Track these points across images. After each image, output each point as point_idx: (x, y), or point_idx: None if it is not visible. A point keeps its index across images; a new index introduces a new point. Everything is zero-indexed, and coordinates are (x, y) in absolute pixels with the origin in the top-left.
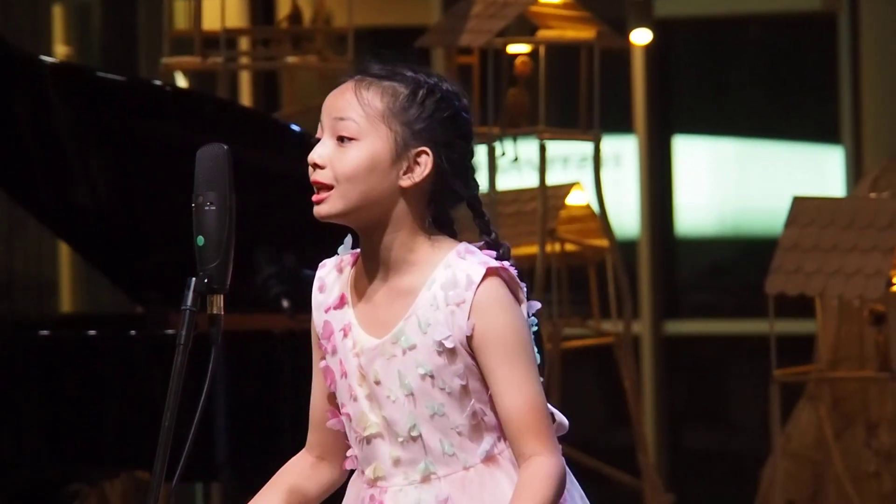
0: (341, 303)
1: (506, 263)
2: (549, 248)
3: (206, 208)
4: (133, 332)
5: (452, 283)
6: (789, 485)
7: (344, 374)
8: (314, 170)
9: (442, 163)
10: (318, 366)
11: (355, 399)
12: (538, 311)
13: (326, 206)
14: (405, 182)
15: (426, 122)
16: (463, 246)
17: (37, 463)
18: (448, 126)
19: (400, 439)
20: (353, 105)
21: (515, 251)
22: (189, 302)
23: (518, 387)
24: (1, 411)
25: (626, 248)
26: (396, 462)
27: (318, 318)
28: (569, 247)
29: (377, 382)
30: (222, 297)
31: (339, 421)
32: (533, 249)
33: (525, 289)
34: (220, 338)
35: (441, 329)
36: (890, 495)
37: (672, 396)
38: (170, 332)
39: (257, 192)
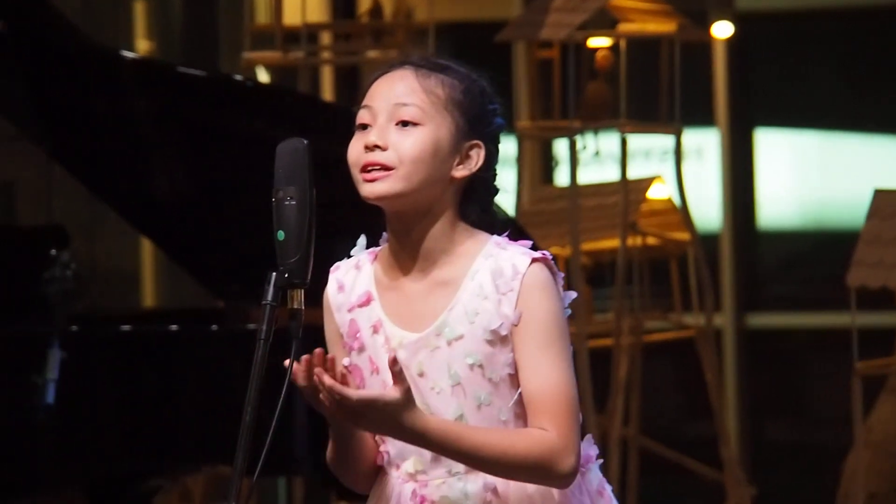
0: (367, 300)
1: (546, 252)
2: (630, 241)
3: (287, 203)
4: (214, 327)
5: (499, 272)
6: (871, 477)
7: (375, 371)
8: (371, 151)
9: (490, 157)
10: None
11: None
12: (574, 300)
13: (385, 185)
14: (459, 172)
15: (479, 117)
16: (496, 238)
17: (118, 458)
18: (494, 124)
19: None
20: (416, 91)
21: (597, 244)
22: (269, 297)
23: (547, 372)
24: (82, 406)
25: (708, 241)
26: (437, 457)
27: (339, 317)
28: (650, 240)
29: (421, 375)
30: (303, 291)
31: None
32: (614, 243)
33: (563, 278)
34: (300, 332)
35: (492, 318)
36: None
37: (754, 389)
38: (250, 326)
39: (338, 187)
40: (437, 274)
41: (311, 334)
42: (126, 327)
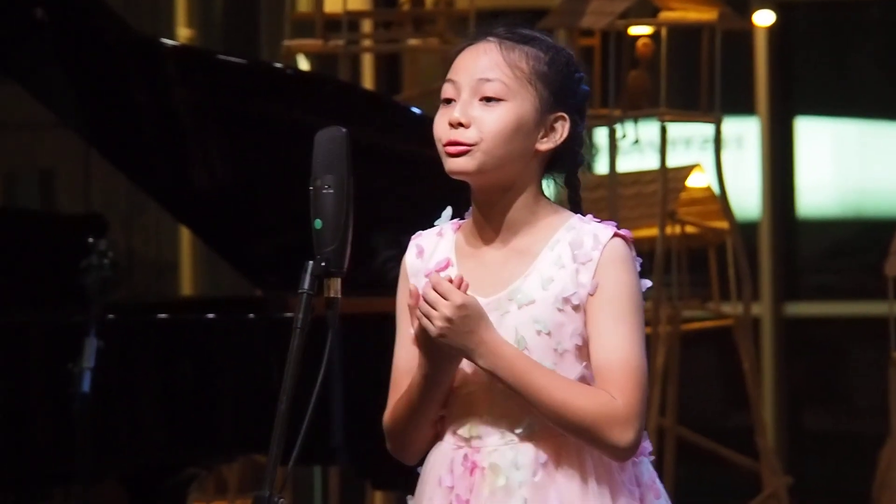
0: (446, 266)
1: (628, 232)
2: (669, 230)
3: (324, 191)
4: (252, 316)
5: (579, 242)
6: None
7: None
8: (455, 128)
9: (574, 129)
10: (406, 332)
11: None
12: (649, 289)
13: (466, 162)
14: (544, 146)
15: (564, 88)
16: (580, 215)
17: (155, 446)
18: (579, 94)
19: (503, 397)
20: (500, 65)
21: (635, 233)
22: (306, 285)
23: (618, 343)
24: (119, 395)
25: (748, 230)
26: (494, 422)
27: (414, 282)
28: (689, 229)
29: None
30: (340, 280)
31: None
32: (653, 231)
33: (640, 264)
34: (337, 321)
35: (566, 286)
36: None
37: (791, 378)
38: (288, 315)
39: (377, 175)
40: (517, 243)
41: (349, 323)
42: (163, 316)
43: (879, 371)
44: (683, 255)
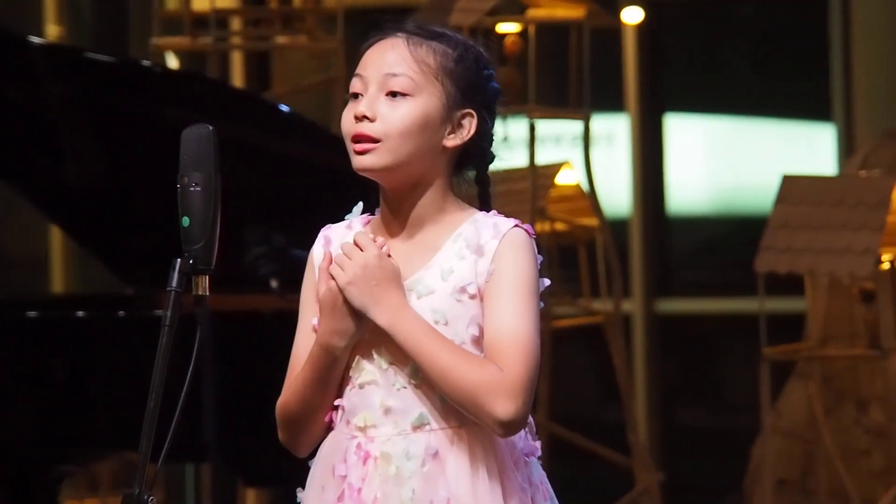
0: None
1: (531, 228)
2: (538, 227)
3: (192, 189)
4: (122, 313)
5: (477, 234)
6: (780, 462)
7: None
8: (360, 121)
9: (482, 126)
10: (308, 320)
11: (353, 347)
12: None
13: (372, 158)
14: (450, 142)
15: (473, 85)
16: (485, 212)
17: (25, 444)
18: (488, 91)
19: (397, 387)
20: (407, 61)
21: None
22: (174, 283)
23: (510, 320)
24: None
25: (619, 227)
26: (387, 411)
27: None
28: (559, 226)
29: None
30: (208, 277)
31: None
32: None
33: (541, 262)
34: (207, 318)
35: (465, 276)
36: (880, 473)
37: (663, 374)
38: (159, 312)
39: (247, 173)
40: (422, 237)
41: (220, 320)
42: (33, 313)
43: (751, 367)
44: (553, 252)
